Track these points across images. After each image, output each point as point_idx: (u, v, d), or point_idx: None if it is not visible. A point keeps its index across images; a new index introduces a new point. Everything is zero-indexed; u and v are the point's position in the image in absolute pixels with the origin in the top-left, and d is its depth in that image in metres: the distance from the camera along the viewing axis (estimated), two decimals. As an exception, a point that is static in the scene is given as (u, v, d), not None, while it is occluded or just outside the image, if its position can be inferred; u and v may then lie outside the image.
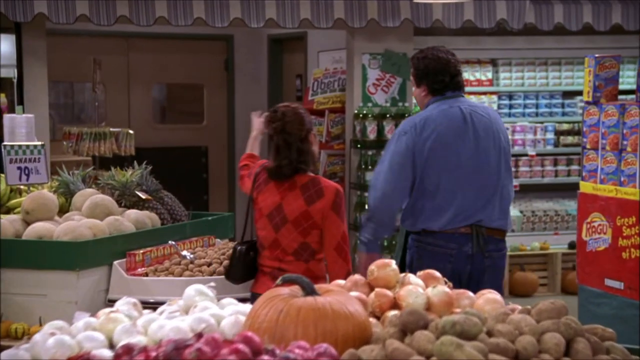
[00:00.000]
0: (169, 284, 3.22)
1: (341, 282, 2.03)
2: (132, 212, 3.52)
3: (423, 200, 3.36)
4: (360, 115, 5.95)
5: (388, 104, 6.03)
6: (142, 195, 3.65)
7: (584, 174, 4.02)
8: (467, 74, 6.59)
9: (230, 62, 8.03)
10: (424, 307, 1.89)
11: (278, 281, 1.81)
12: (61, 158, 5.66)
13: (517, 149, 6.62)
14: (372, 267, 2.02)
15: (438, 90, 3.44)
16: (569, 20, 6.12)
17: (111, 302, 3.22)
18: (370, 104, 5.99)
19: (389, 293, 1.94)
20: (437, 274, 2.05)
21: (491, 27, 6.04)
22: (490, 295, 1.95)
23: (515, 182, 6.60)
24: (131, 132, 5.39)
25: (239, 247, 3.19)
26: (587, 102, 4.01)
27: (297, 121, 3.11)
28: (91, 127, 5.32)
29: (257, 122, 3.51)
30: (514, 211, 6.61)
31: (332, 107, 6.29)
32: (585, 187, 3.97)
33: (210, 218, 3.91)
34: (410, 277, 2.00)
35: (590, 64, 4.00)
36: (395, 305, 1.90)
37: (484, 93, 6.65)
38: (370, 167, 5.83)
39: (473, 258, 3.35)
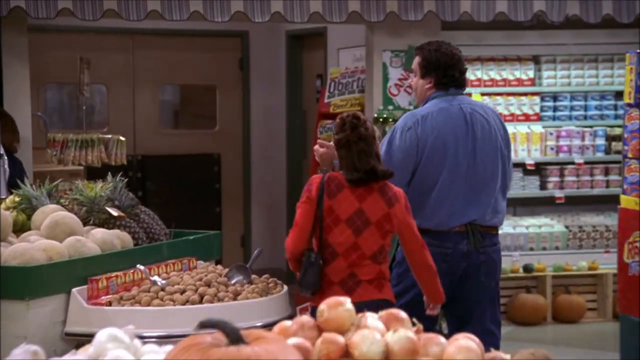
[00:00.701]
0: (134, 314, 3.09)
1: (287, 323, 1.85)
2: (99, 232, 3.38)
3: (420, 197, 3.59)
4: (380, 120, 5.87)
5: (412, 107, 5.89)
6: (114, 212, 3.51)
7: (625, 186, 3.86)
8: (506, 72, 6.46)
9: (245, 60, 7.97)
10: (381, 357, 1.70)
11: (196, 326, 1.64)
12: (49, 167, 5.61)
13: (562, 156, 6.47)
14: (323, 306, 1.85)
15: (444, 85, 3.70)
16: (619, 12, 5.92)
17: (69, 336, 3.11)
18: (391, 107, 5.92)
19: (340, 339, 1.75)
20: (402, 314, 1.86)
21: (528, 21, 5.87)
22: (464, 342, 1.75)
23: (560, 194, 6.46)
24: (122, 138, 5.30)
25: (313, 255, 3.32)
26: (629, 105, 3.84)
27: (370, 127, 3.36)
28: (78, 134, 5.23)
29: (325, 152, 3.60)
30: (557, 225, 6.49)
31: (350, 110, 6.13)
32: (627, 201, 3.82)
33: (191, 237, 3.77)
34: (369, 318, 1.82)
35: (632, 60, 3.83)
36: (346, 354, 1.72)
37: (524, 94, 6.52)
38: None
39: (469, 255, 3.64)
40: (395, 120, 5.73)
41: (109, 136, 5.29)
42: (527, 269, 6.28)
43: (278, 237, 7.19)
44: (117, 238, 3.43)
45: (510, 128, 6.61)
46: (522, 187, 6.52)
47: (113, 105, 7.72)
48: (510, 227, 6.44)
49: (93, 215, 3.53)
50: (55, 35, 7.14)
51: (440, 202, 3.63)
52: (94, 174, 5.53)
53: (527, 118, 6.52)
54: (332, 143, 3.48)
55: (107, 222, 3.52)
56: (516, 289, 6.27)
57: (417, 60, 3.79)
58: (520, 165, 6.43)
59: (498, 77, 6.47)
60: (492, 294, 3.79)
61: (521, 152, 6.49)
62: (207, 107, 8.13)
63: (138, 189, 7.61)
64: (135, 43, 7.70)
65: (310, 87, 7.71)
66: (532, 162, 6.42)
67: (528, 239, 6.40)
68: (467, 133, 3.66)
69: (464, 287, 3.71)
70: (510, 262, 6.29)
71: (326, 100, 6.30)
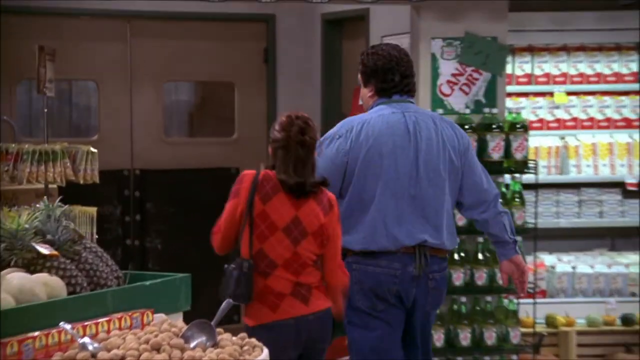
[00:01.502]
0: (51, 390, 2.83)
1: None
2: (16, 277, 3.13)
3: (358, 214, 3.99)
4: None
5: (469, 110, 5.80)
6: (44, 250, 3.27)
7: None
8: (600, 65, 6.40)
9: (270, 51, 7.89)
10: None
11: None
12: (10, 186, 5.44)
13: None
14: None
15: (385, 91, 4.09)
16: None
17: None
18: (441, 110, 5.71)
19: None
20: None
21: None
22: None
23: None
24: (93, 150, 5.08)
25: (244, 263, 3.72)
26: None
27: (315, 137, 3.74)
28: (37, 144, 5.03)
29: None
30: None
31: None
32: None
33: (148, 283, 3.52)
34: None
35: None
36: None
37: (625, 93, 6.43)
38: None
39: (418, 280, 4.03)
40: None
41: (77, 147, 5.06)
42: (627, 320, 6.19)
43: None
44: (43, 285, 3.18)
45: (605, 137, 6.41)
46: (620, 213, 6.44)
47: (105, 107, 7.68)
48: (604, 265, 6.31)
49: (16, 254, 3.29)
50: (30, 19, 7.12)
51: (382, 218, 3.98)
52: (75, 192, 5.42)
53: (628, 124, 6.45)
54: None
55: (33, 264, 3.29)
56: (612, 347, 6.18)
57: (360, 67, 4.17)
58: (619, 185, 6.34)
59: (590, 71, 6.42)
60: (429, 325, 4.24)
61: (620, 169, 6.41)
62: (223, 110, 8.13)
63: (135, 212, 7.51)
64: (133, 29, 7.65)
65: (352, 84, 7.45)
66: (634, 181, 6.34)
67: (628, 281, 6.29)
68: (409, 143, 4.00)
69: (412, 316, 4.11)
70: (604, 311, 6.21)
71: (360, 103, 5.96)
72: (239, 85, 7.96)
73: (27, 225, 3.35)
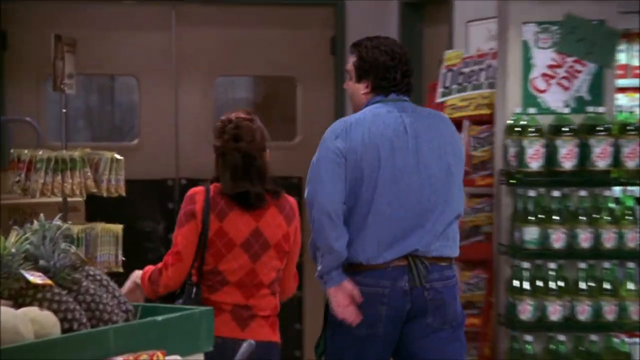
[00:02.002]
0: None
1: None
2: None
3: (351, 224, 4.18)
4: (517, 129, 5.50)
5: (568, 109, 5.59)
6: (34, 279, 3.15)
7: None
8: None
9: (339, 41, 7.87)
10: None
11: None
12: (23, 199, 5.52)
13: None
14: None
15: (383, 89, 4.32)
16: None
17: None
18: (534, 110, 5.56)
19: None
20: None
21: None
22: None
23: None
24: (119, 157, 5.11)
25: (194, 289, 3.98)
26: None
27: (259, 138, 4.05)
28: (54, 151, 5.09)
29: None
30: None
31: (475, 115, 5.92)
32: None
33: (160, 318, 3.37)
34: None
35: None
36: None
37: None
38: (532, 217, 5.37)
39: (411, 293, 4.18)
40: (538, 130, 5.49)
41: (100, 153, 5.12)
42: None
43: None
44: (30, 322, 3.05)
45: None
46: None
47: (146, 107, 7.76)
48: None
49: (1, 284, 3.16)
50: (60, 6, 7.24)
51: (376, 228, 4.17)
52: (107, 206, 5.47)
53: None
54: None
55: (22, 295, 3.17)
56: None
57: (352, 60, 4.41)
58: None
59: None
60: (452, 336, 4.28)
61: None
62: (284, 110, 8.20)
63: (180, 228, 7.51)
64: (179, 15, 7.72)
65: (433, 77, 7.23)
66: None
67: None
68: (407, 146, 4.23)
69: (408, 330, 4.25)
70: None
71: (439, 100, 6.02)
72: (302, 80, 8.00)
73: (13, 250, 3.23)
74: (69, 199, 5.34)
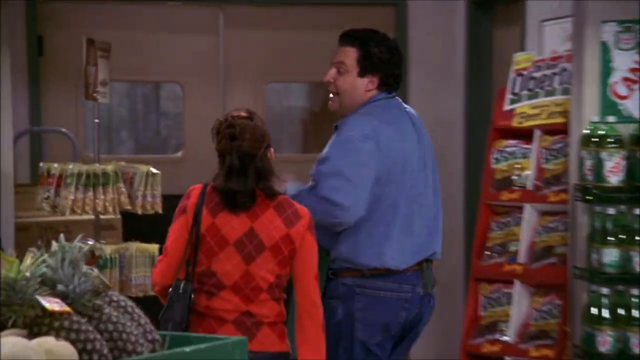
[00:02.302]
0: None
1: None
2: (9, 343, 2.96)
3: (371, 225, 4.42)
4: (594, 140, 5.42)
5: None
6: (52, 306, 3.09)
7: None
8: None
9: (401, 43, 7.47)
10: None
11: None
12: (58, 217, 5.59)
13: None
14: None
15: (390, 87, 4.59)
16: None
17: None
18: (614, 118, 5.47)
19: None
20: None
21: None
22: None
23: None
24: (155, 171, 5.15)
25: (182, 284, 4.04)
26: None
27: (258, 136, 4.06)
28: (85, 164, 5.14)
29: None
30: None
31: (547, 124, 5.89)
32: None
33: (189, 349, 3.35)
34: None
35: None
36: None
37: None
38: (611, 238, 5.27)
39: (422, 300, 4.54)
40: (618, 141, 5.40)
41: (135, 167, 5.17)
42: None
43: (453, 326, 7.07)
44: (45, 353, 3.01)
45: None
46: None
47: (191, 116, 7.80)
48: None
49: (13, 311, 3.14)
50: (100, 8, 7.26)
51: (400, 233, 4.45)
52: (148, 224, 5.52)
53: None
54: None
55: (37, 323, 3.12)
56: None
57: (351, 53, 4.55)
58: None
59: None
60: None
61: None
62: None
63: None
64: (227, 17, 7.77)
65: (503, 82, 7.05)
66: None
67: None
68: (417, 147, 4.58)
69: (404, 338, 4.57)
70: None
71: (507, 107, 5.99)
72: None
73: (28, 273, 3.20)
74: (104, 216, 5.39)
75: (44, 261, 3.23)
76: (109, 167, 5.11)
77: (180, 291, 4.00)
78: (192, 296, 4.03)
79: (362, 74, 4.50)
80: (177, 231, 4.05)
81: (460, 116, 7.73)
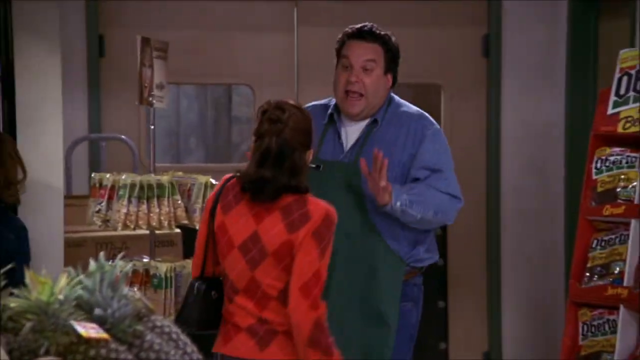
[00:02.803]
0: None
1: None
2: None
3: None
4: None
5: None
6: (89, 332, 3.10)
7: None
8: None
9: (493, 40, 7.94)
10: None
11: None
12: (111, 232, 5.66)
13: None
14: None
15: (394, 84, 4.87)
16: None
17: None
18: None
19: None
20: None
21: None
22: None
23: None
24: (214, 182, 5.07)
25: (197, 284, 4.19)
26: None
27: (303, 128, 4.10)
28: (138, 175, 5.13)
29: None
30: None
31: None
32: None
33: None
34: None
35: None
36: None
37: None
38: None
39: None
40: None
41: (193, 178, 5.16)
42: None
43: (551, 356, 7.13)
44: None
45: None
46: None
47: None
48: None
49: (46, 338, 3.15)
50: (161, 4, 7.38)
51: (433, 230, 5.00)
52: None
53: None
54: None
55: (72, 351, 3.13)
56: None
57: (379, 49, 4.76)
58: None
59: None
60: None
61: None
62: None
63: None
64: (302, 13, 7.86)
65: (609, 83, 7.06)
66: None
67: None
68: None
69: None
70: None
71: (611, 111, 5.93)
72: (449, 88, 8.08)
73: (61, 296, 3.20)
74: (162, 231, 5.39)
75: (79, 282, 3.25)
76: (164, 178, 5.10)
77: (195, 291, 4.14)
78: (205, 295, 4.15)
79: (385, 70, 4.77)
80: (201, 228, 4.17)
81: (561, 118, 7.72)
